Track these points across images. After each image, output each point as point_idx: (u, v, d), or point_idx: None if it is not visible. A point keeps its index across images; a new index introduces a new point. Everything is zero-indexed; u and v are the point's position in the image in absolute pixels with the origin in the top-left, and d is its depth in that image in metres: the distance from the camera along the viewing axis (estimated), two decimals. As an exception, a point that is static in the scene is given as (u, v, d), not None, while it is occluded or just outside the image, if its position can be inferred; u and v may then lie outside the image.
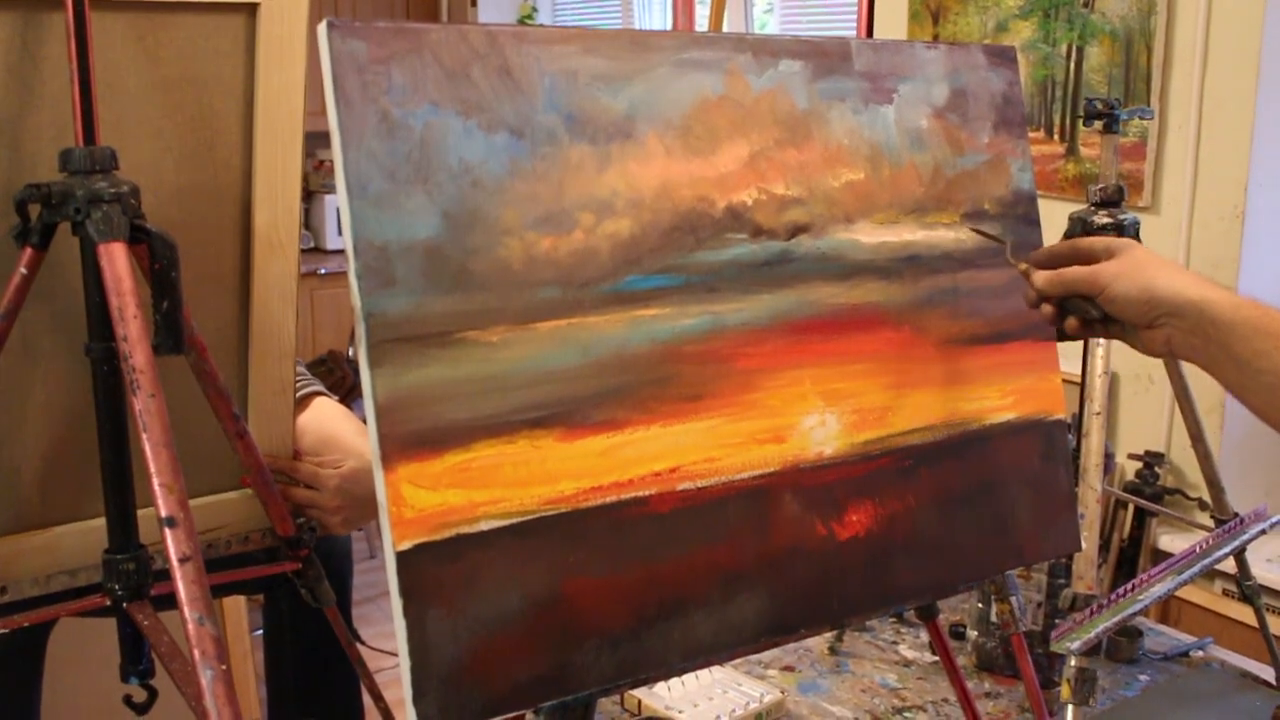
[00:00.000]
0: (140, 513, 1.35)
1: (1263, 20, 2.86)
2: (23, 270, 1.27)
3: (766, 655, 2.06)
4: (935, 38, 3.62)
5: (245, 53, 1.41)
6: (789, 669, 2.04)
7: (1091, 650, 1.62)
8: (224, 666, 1.13)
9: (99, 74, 1.24)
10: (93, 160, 1.24)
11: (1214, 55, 2.97)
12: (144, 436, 1.17)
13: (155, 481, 1.16)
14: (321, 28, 1.04)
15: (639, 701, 1.87)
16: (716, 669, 1.95)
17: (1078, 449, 1.78)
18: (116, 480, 1.34)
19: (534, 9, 5.98)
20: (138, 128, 1.37)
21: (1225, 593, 2.95)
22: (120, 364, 1.20)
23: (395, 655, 1.04)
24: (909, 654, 2.10)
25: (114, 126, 1.31)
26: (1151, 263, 1.29)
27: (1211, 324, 1.25)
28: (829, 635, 2.10)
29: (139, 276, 1.24)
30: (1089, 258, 1.33)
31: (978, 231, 1.42)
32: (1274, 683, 2.01)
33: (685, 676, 1.89)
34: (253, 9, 1.40)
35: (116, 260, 1.22)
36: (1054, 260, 1.35)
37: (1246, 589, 2.07)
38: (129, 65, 1.34)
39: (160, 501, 1.16)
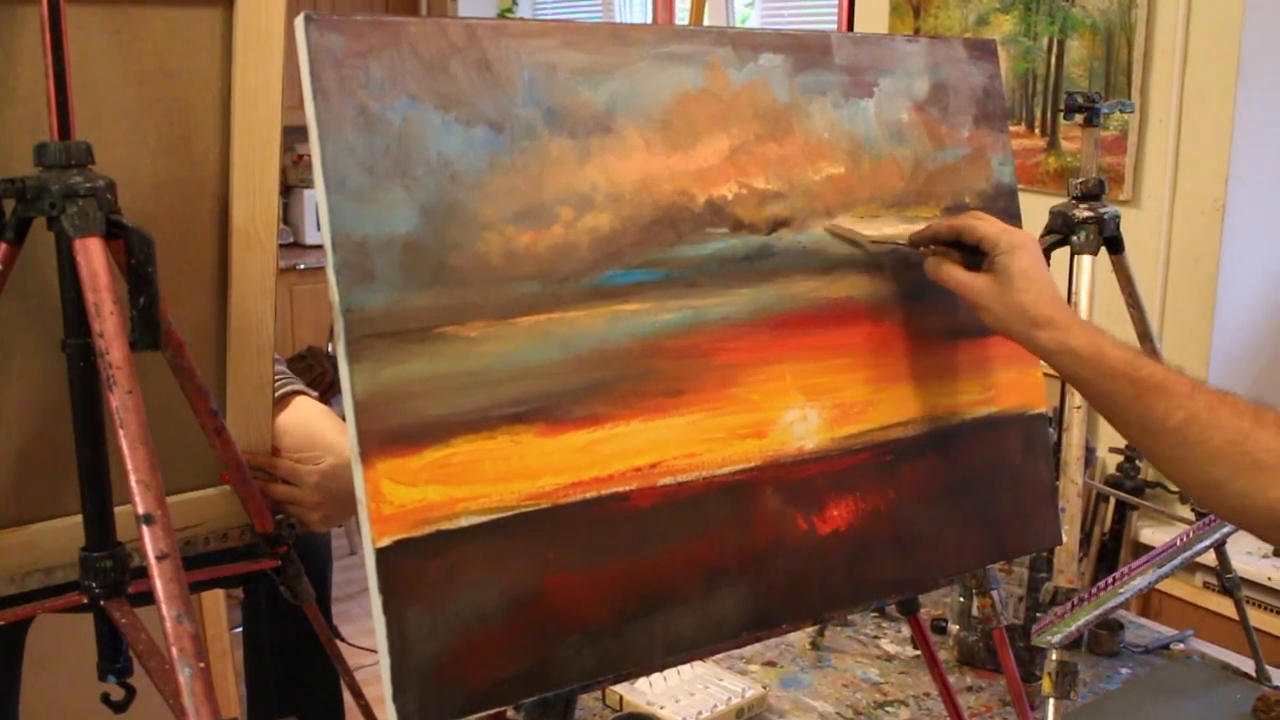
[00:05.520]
0: (117, 510, 1.34)
1: (1242, 14, 2.86)
2: (-3, 266, 1.26)
3: (748, 650, 2.06)
4: (916, 31, 3.62)
5: (222, 46, 1.40)
6: (770, 664, 2.04)
7: (1073, 644, 1.62)
8: (202, 664, 1.12)
9: (74, 68, 1.23)
10: (68, 155, 1.23)
11: (1194, 49, 2.97)
12: (121, 433, 1.16)
13: (132, 478, 1.15)
14: (299, 21, 1.03)
15: (620, 697, 1.87)
16: (698, 664, 1.95)
17: (1059, 443, 1.78)
18: (93, 477, 1.33)
19: (514, 2, 5.96)
20: (114, 122, 1.35)
21: (1206, 585, 2.96)
22: (96, 360, 1.19)
23: (375, 652, 1.03)
24: (891, 648, 2.10)
25: (89, 120, 1.30)
26: (1026, 297, 1.29)
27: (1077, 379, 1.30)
28: (810, 630, 2.11)
29: (115, 272, 1.23)
30: (971, 247, 1.34)
31: (836, 232, 1.38)
32: (1254, 675, 2.02)
33: (667, 672, 1.89)
34: (230, 2, 1.39)
35: (92, 255, 1.20)
36: (935, 241, 1.36)
37: (1227, 582, 2.07)
38: (104, 59, 1.33)
39: (137, 498, 1.15)
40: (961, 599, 2.04)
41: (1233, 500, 1.21)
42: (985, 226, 1.33)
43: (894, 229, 1.37)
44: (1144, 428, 1.25)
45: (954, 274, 1.34)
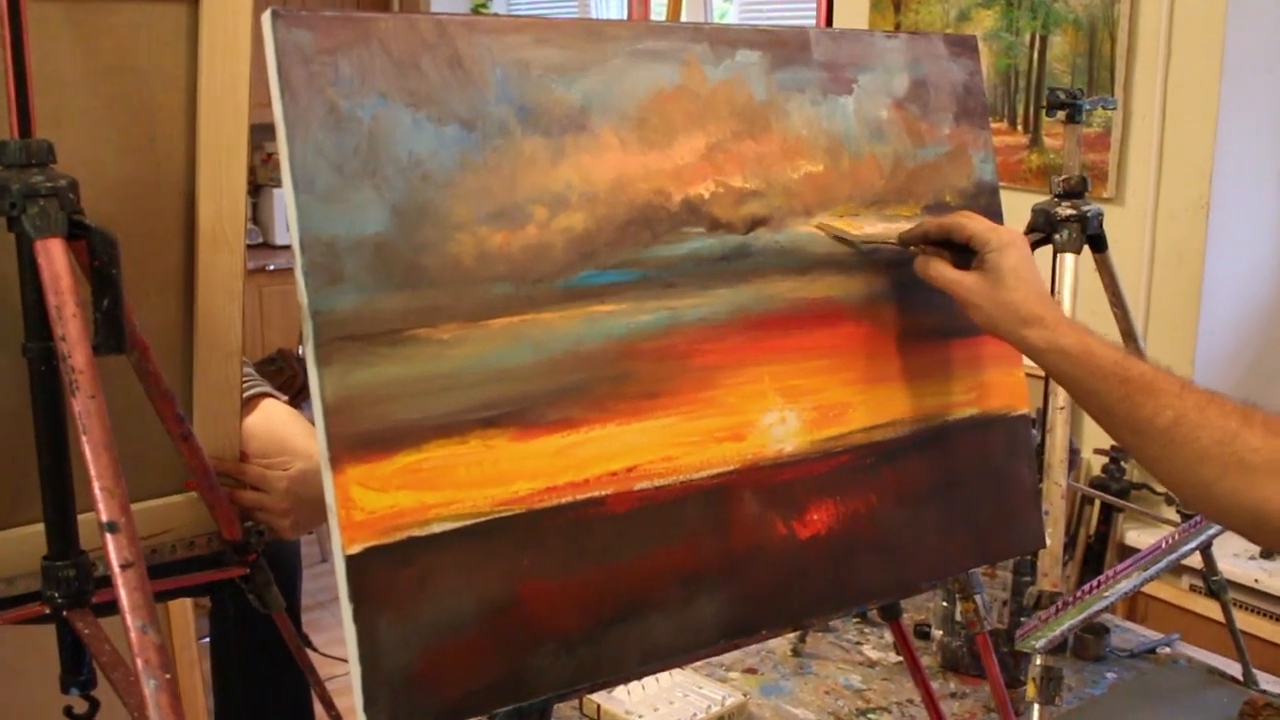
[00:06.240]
0: (81, 518, 1.31)
1: (1225, 9, 2.85)
2: (-44, 267, 1.24)
3: (728, 657, 2.04)
4: (897, 27, 3.61)
5: (188, 42, 1.38)
6: (751, 671, 2.03)
7: (1057, 648, 1.61)
8: (168, 675, 1.10)
9: (35, 64, 1.20)
10: (29, 153, 1.20)
11: (1178, 44, 2.97)
12: (84, 439, 1.14)
13: (96, 485, 1.13)
14: (266, 17, 1.01)
15: (598, 706, 1.85)
16: (677, 672, 1.93)
17: (1042, 444, 1.76)
18: (55, 484, 1.30)
19: (487, -2, 5.94)
20: (76, 120, 1.33)
21: (1192, 588, 2.95)
22: (59, 364, 1.17)
23: (346, 661, 1.01)
24: (873, 654, 2.09)
25: (51, 118, 1.27)
26: (1016, 295, 1.29)
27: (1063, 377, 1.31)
28: (791, 636, 2.09)
29: (78, 274, 1.20)
30: (960, 246, 1.34)
31: (827, 230, 1.37)
32: (1241, 679, 2.00)
33: (645, 680, 1.87)
34: (195, -4, 1.37)
35: (54, 257, 1.18)
36: (924, 239, 1.36)
37: (1213, 584, 2.07)
38: (66, 55, 1.31)
39: (101, 506, 1.12)
40: (944, 603, 2.02)
41: (1220, 500, 1.21)
42: (975, 225, 1.33)
43: (879, 228, 1.36)
44: (1132, 427, 1.25)
45: (943, 272, 1.34)
